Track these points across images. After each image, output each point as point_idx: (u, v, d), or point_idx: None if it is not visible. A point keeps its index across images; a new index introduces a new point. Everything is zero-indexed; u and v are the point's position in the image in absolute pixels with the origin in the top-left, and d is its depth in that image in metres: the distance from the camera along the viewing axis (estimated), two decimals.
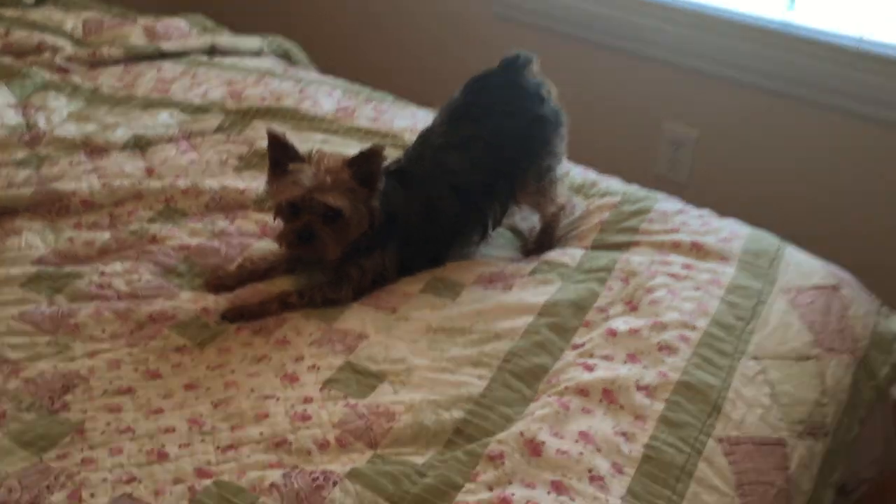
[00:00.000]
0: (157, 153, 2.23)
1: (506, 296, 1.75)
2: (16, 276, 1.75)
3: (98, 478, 1.31)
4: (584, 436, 1.41)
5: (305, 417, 1.44)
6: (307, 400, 1.47)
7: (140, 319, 1.65)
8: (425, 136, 1.91)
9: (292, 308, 1.72)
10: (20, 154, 2.19)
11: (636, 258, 1.86)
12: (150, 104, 2.46)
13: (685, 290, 1.76)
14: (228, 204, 2.02)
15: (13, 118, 2.34)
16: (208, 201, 2.02)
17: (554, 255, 1.90)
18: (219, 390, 1.50)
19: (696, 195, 2.72)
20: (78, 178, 2.08)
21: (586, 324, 1.68)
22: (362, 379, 1.53)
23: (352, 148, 2.22)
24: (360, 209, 1.69)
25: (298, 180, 1.65)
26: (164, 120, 2.38)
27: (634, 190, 2.15)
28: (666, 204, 2.08)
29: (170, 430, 1.41)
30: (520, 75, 1.92)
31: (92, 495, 1.29)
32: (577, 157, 2.20)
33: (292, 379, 1.52)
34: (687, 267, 1.83)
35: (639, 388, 1.51)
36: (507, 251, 1.99)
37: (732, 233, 1.97)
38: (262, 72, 2.68)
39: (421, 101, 2.60)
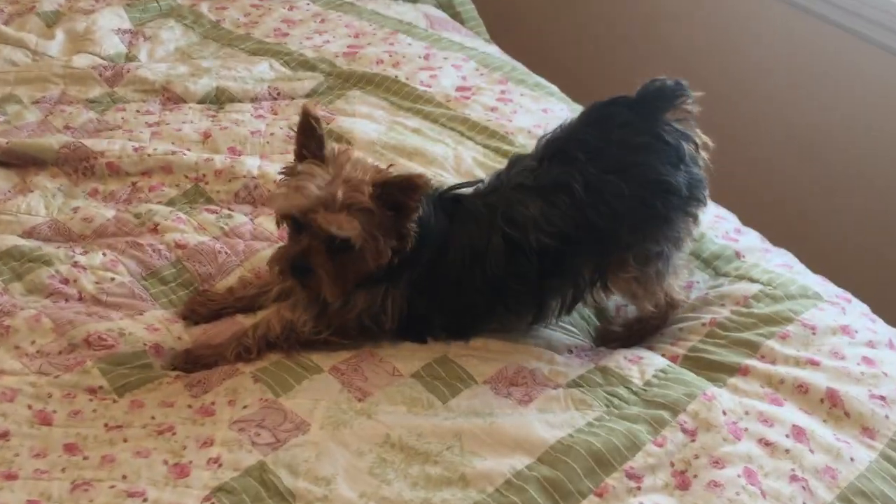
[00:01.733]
0: (230, 114, 1.94)
1: (514, 414, 1.27)
2: None
3: None
4: None
5: None
6: None
7: (75, 340, 1.38)
8: (513, 163, 1.43)
9: (248, 354, 1.36)
10: (96, 91, 1.99)
11: (728, 398, 1.29)
12: (258, 50, 2.17)
13: (771, 478, 1.17)
14: (261, 195, 1.68)
15: (115, 46, 2.15)
16: (240, 189, 1.70)
17: (620, 360, 1.37)
18: (93, 465, 1.19)
19: None
20: (130, 132, 1.85)
21: (601, 492, 1.16)
22: (263, 497, 1.15)
23: (442, 147, 1.81)
24: (377, 240, 1.28)
25: (304, 187, 1.26)
26: (261, 72, 2.07)
27: (789, 279, 1.52)
28: (826, 314, 1.44)
29: None
30: (659, 114, 1.35)
31: None
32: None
33: (181, 473, 1.18)
34: (797, 435, 1.23)
35: None
36: (571, 333, 1.48)
37: None
38: (401, 25, 2.27)
39: None
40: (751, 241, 1.65)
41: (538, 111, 1.95)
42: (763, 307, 1.45)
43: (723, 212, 1.76)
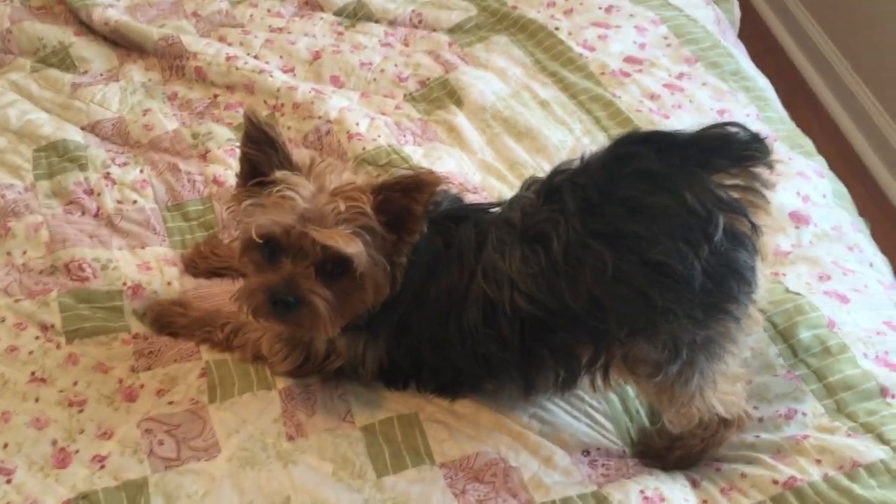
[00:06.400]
0: (357, 34, 1.70)
1: None
2: (43, 136, 1.46)
3: None
4: None
5: None
6: None
7: (58, 262, 1.26)
8: (522, 188, 1.09)
9: (213, 346, 1.18)
10: None
11: None
12: None
13: None
14: (329, 143, 1.45)
15: None
16: (310, 131, 1.47)
17: (632, 493, 1.03)
18: None
19: None
20: (245, 34, 1.68)
21: None
22: None
23: (563, 133, 1.46)
24: (381, 265, 1.01)
25: (287, 199, 0.99)
26: None
27: None
28: None
29: None
30: (699, 169, 0.93)
31: None
32: None
33: (61, 462, 1.05)
34: None
35: None
36: (601, 429, 1.13)
37: None
38: None
39: None
40: None
41: (712, 111, 1.50)
42: (873, 487, 1.01)
43: None
